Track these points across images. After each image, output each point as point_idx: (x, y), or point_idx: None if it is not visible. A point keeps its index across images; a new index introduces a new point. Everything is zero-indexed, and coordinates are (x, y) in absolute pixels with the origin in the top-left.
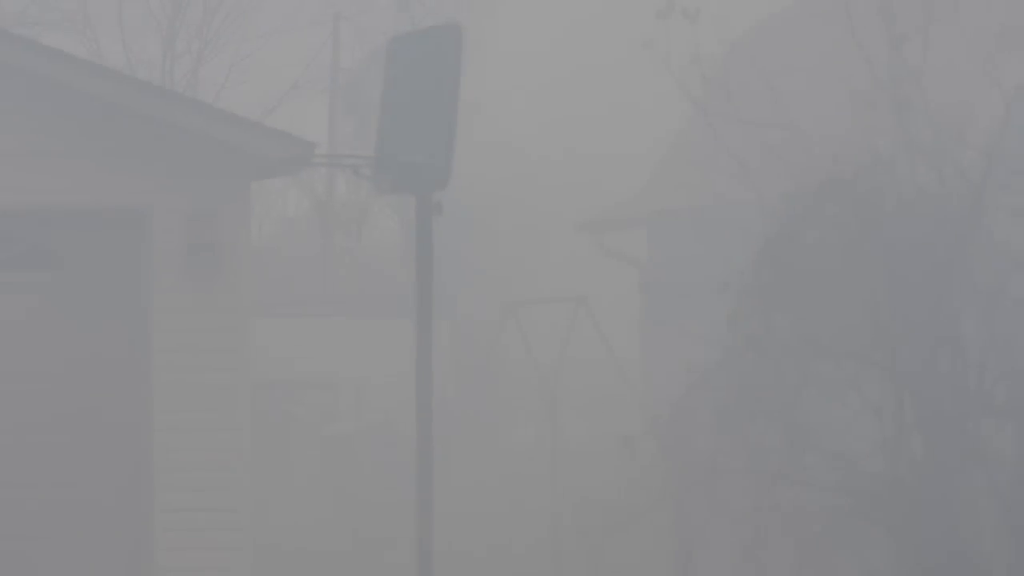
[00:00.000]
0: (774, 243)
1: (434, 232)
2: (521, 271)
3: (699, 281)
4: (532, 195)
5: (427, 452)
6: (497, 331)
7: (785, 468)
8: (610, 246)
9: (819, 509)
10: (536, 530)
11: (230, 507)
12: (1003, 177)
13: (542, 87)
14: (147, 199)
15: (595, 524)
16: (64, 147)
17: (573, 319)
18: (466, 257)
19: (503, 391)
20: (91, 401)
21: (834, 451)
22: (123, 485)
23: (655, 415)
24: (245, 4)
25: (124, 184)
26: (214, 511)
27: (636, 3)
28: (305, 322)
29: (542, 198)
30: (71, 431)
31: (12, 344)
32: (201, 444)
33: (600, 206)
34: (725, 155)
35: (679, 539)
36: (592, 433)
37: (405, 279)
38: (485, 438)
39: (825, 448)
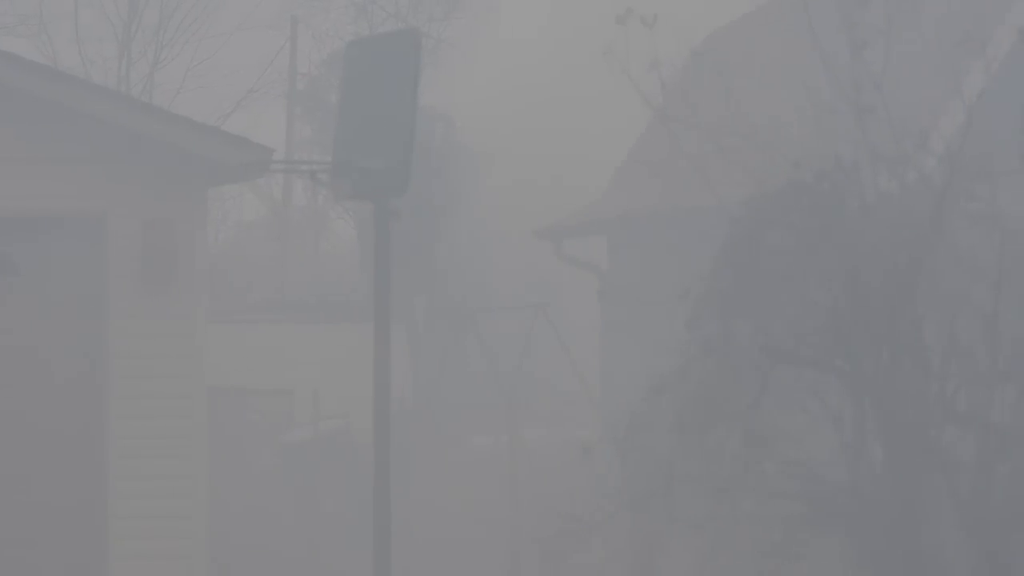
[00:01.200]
0: (733, 247)
1: (392, 238)
2: (483, 276)
3: (659, 287)
4: (497, 199)
5: (384, 460)
6: (455, 337)
7: (744, 475)
8: (569, 253)
9: (778, 517)
10: (495, 538)
11: (185, 515)
12: (965, 183)
13: (506, 92)
14: (102, 205)
15: (554, 532)
16: (17, 152)
17: (532, 326)
18: (426, 261)
19: (462, 398)
20: (46, 407)
21: (794, 458)
22: (77, 492)
23: (613, 422)
24: (201, 8)
25: (79, 190)
26: (169, 519)
27: (599, 9)
28: (262, 328)
29: (507, 203)
30: (25, 437)
31: None
32: (157, 451)
33: (563, 211)
34: (685, 160)
35: (638, 548)
36: (551, 440)
37: (364, 284)
38: (445, 446)
39: (785, 455)
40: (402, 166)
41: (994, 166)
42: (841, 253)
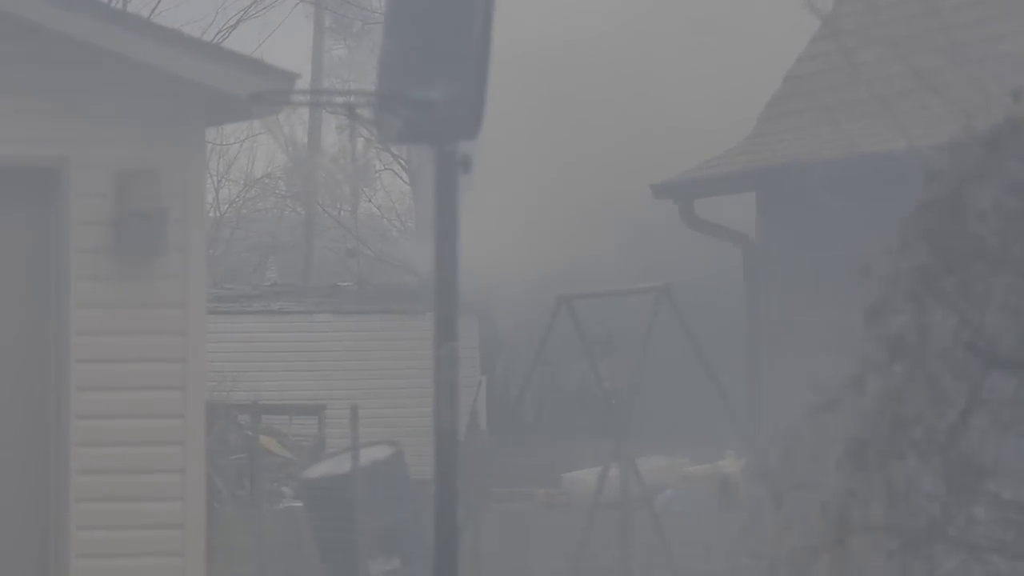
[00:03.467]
0: (931, 210)
1: (461, 194)
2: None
3: (828, 263)
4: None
5: (449, 506)
6: (545, 331)
7: (944, 524)
8: (702, 217)
9: None
10: None
11: (176, 524)
12: None
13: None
14: (59, 151)
15: None
16: None
17: (653, 314)
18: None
19: (554, 413)
20: None
21: (1013, 500)
22: (29, 498)
23: (762, 449)
24: None
25: (26, 130)
26: (151, 529)
27: None
28: (281, 321)
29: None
30: None
31: None
32: (132, 462)
33: (676, 166)
34: (864, 88)
35: None
36: (676, 473)
37: (421, 259)
38: (532, 481)
39: (1001, 496)
40: (474, 97)
41: None
42: None
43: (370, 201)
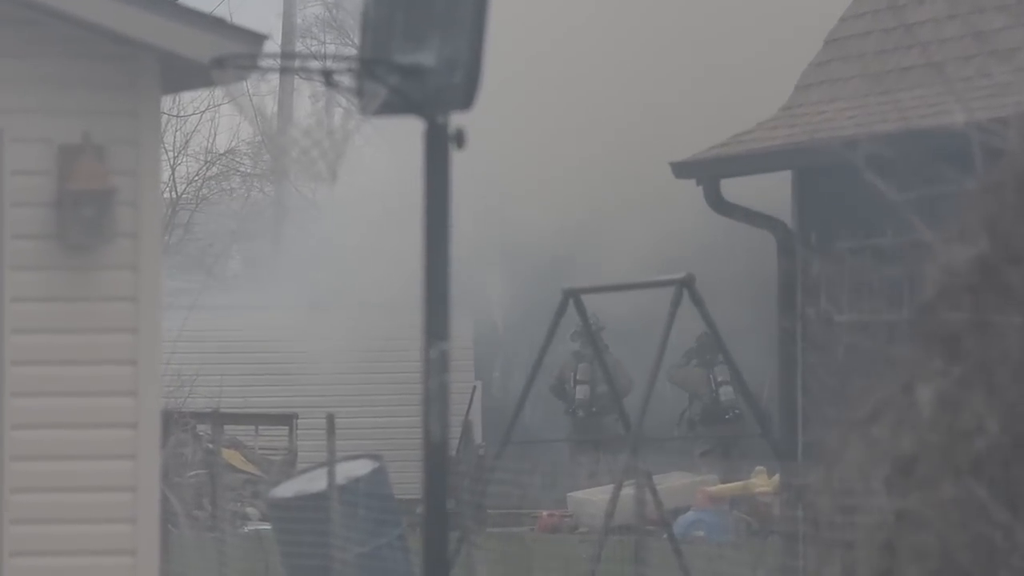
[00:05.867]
0: (995, 194)
1: (454, 172)
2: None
3: (873, 253)
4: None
5: (438, 531)
6: (550, 329)
7: (1009, 552)
8: (729, 200)
9: None
10: None
11: (127, 549)
12: None
13: None
14: None
15: None
16: None
17: (675, 309)
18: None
19: (558, 422)
20: None
21: None
22: None
23: (800, 463)
24: None
25: None
26: (98, 555)
27: None
28: (249, 316)
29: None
30: None
31: None
32: (76, 479)
33: (695, 143)
34: (916, 54)
35: None
36: (695, 492)
37: (406, 248)
38: (533, 501)
39: None
40: (469, 62)
41: None
42: None
43: (348, 183)
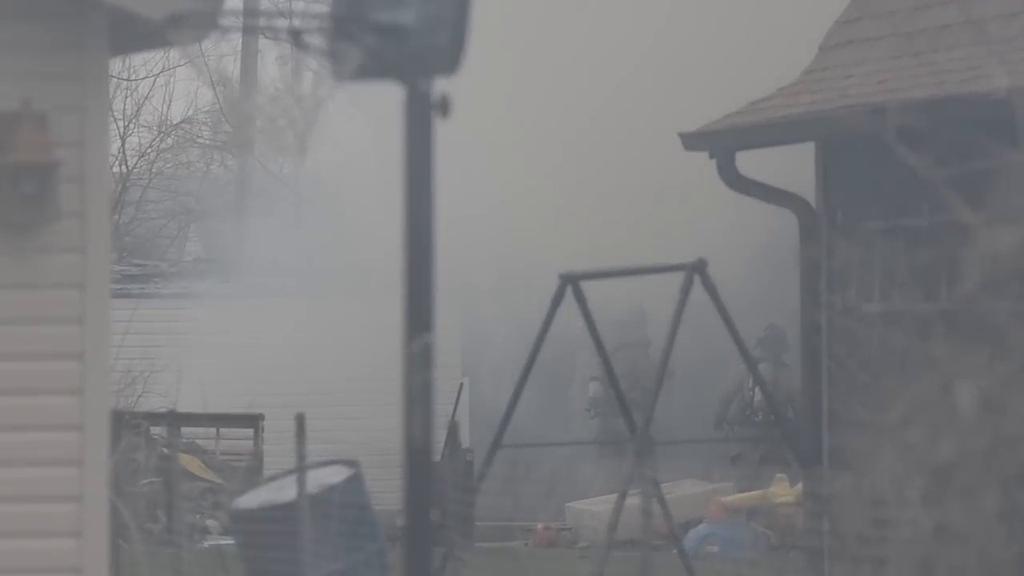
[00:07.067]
0: None
1: (437, 143)
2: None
3: (908, 235)
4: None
5: (422, 550)
6: (546, 320)
7: None
8: (745, 174)
9: None
10: None
11: (72, 567)
12: None
13: None
14: None
15: None
16: None
17: (685, 296)
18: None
19: (555, 423)
20: None
21: None
22: None
23: (826, 470)
24: None
25: None
26: (38, 573)
27: None
28: (209, 306)
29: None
30: None
31: None
32: (14, 487)
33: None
34: (954, 11)
35: None
36: (707, 503)
37: (384, 229)
38: (528, 511)
39: None
40: (455, 21)
41: None
42: None
43: (319, 156)
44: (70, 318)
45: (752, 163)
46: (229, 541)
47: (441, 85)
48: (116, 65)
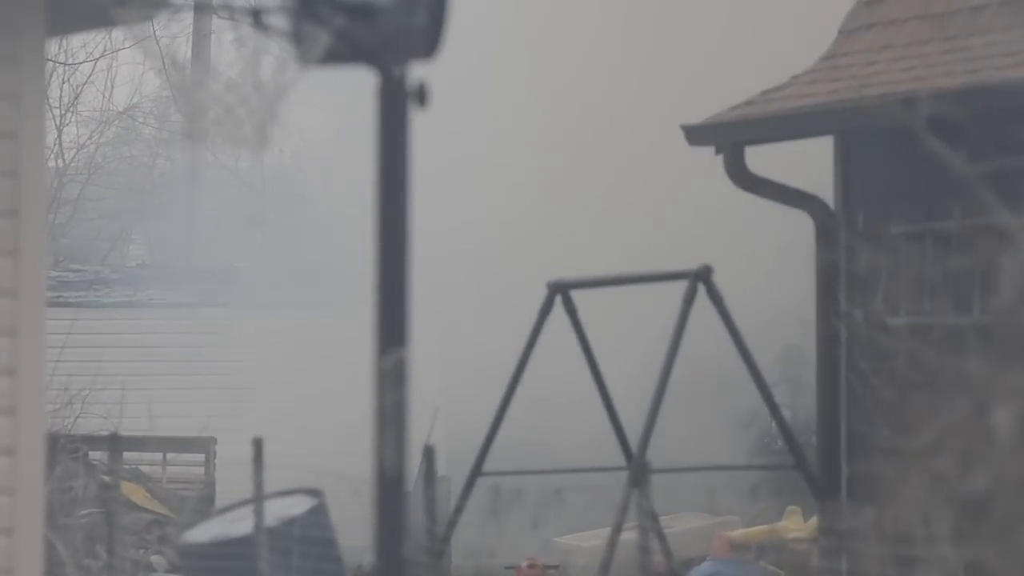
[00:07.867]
0: None
1: (413, 135)
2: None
3: (936, 238)
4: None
5: None
6: (533, 332)
7: None
8: (754, 171)
9: None
10: None
11: None
12: None
13: None
14: None
15: None
16: None
17: (688, 307)
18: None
19: (544, 444)
20: None
21: None
22: None
23: (844, 503)
24: None
25: None
26: None
27: None
28: (151, 315)
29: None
30: None
31: None
32: None
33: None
34: None
35: None
36: (710, 538)
37: (354, 232)
38: (513, 545)
39: None
40: (431, 3)
41: None
42: None
43: (281, 150)
44: (2, 329)
45: (764, 159)
46: None
47: (418, 72)
48: (52, 47)
